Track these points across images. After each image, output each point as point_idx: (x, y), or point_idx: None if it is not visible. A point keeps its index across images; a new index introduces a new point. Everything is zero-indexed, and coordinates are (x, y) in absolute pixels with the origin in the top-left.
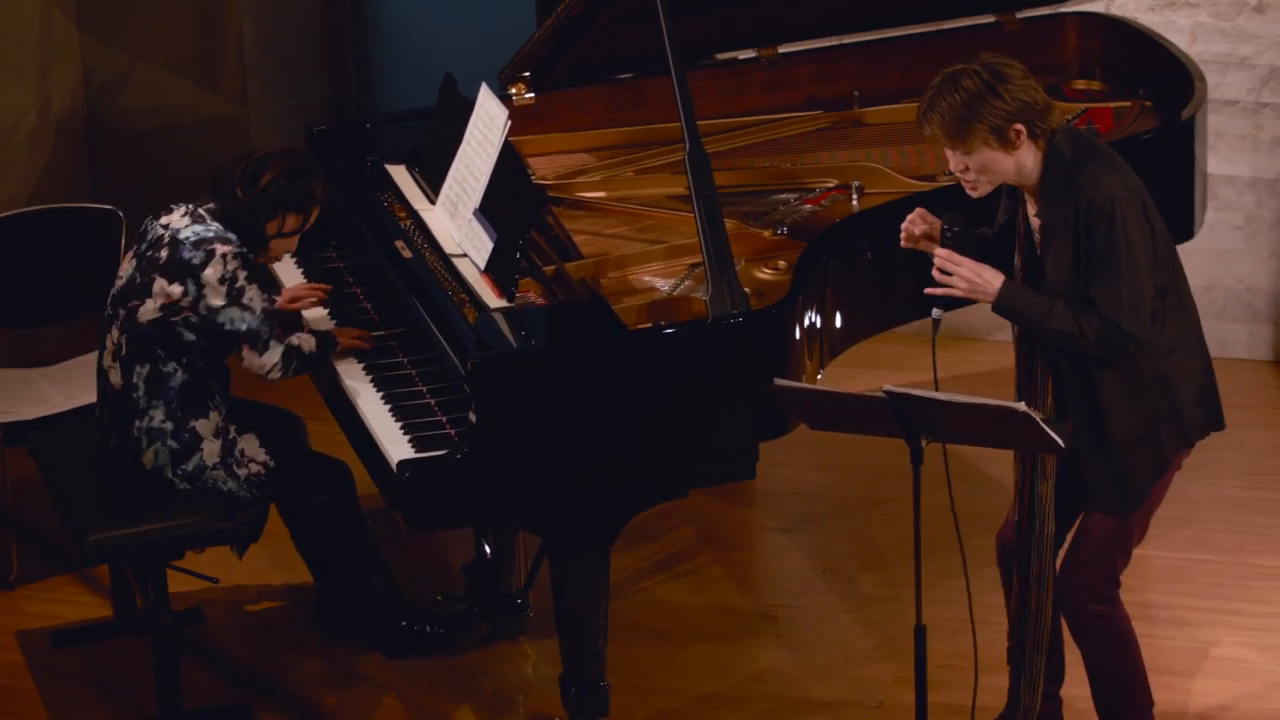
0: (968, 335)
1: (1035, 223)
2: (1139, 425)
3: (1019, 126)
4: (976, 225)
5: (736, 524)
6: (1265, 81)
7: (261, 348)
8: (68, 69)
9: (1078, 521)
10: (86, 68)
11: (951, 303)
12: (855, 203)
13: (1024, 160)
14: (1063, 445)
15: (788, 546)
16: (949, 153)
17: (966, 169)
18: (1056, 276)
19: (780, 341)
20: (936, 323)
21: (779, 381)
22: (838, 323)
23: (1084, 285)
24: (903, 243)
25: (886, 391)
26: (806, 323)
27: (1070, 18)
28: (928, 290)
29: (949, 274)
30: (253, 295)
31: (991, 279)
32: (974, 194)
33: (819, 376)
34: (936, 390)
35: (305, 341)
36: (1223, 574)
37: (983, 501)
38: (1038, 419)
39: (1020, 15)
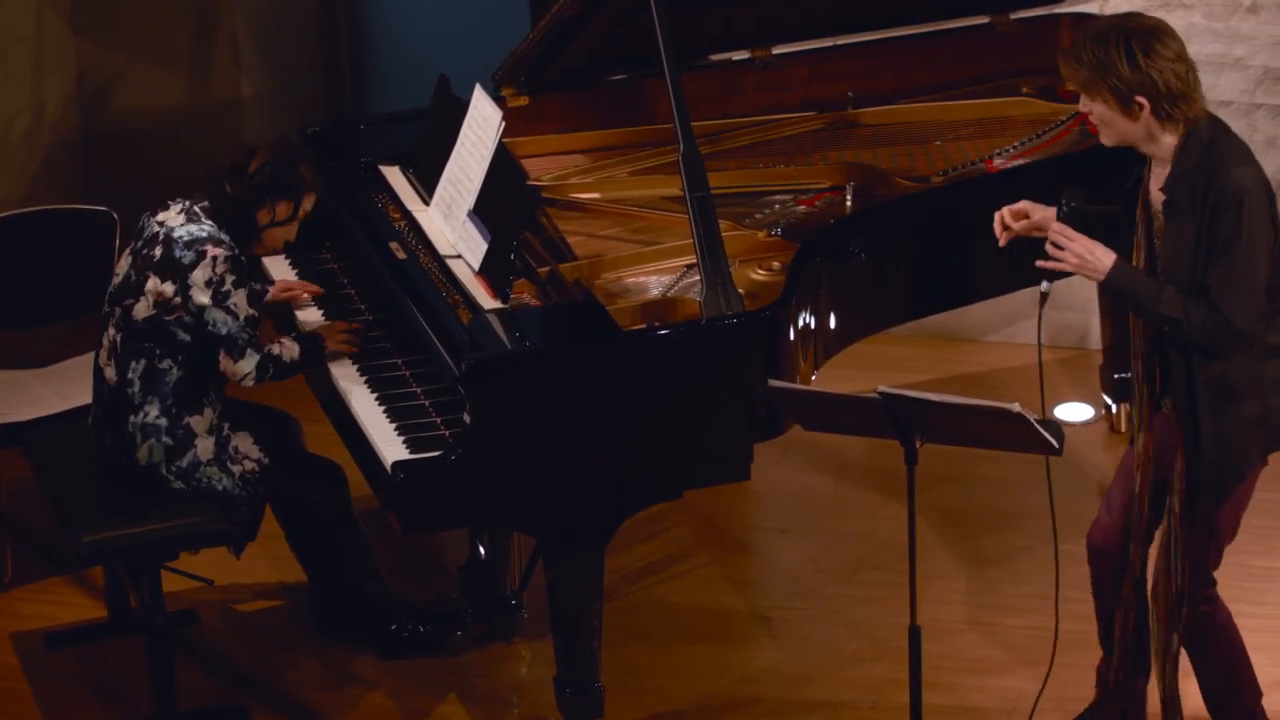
0: (961, 336)
1: (1158, 196)
2: (1229, 425)
3: (1141, 99)
4: (1093, 201)
5: (731, 525)
6: (1259, 82)
7: (237, 354)
8: (62, 70)
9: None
10: (80, 69)
11: (1058, 276)
12: (849, 204)
13: (1156, 133)
14: (1057, 447)
15: (782, 547)
16: (1082, 93)
17: (1089, 112)
18: (1173, 256)
19: (774, 342)
20: (1044, 295)
21: (773, 382)
22: (832, 324)
23: (1200, 271)
24: (1001, 239)
25: (880, 392)
26: (800, 324)
27: (1064, 19)
28: (1039, 263)
29: (1061, 248)
30: (237, 300)
31: (1103, 257)
32: (1102, 139)
33: (813, 377)
34: (1041, 367)
35: (288, 350)
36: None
37: (975, 502)
38: (1031, 420)
39: (1014, 16)
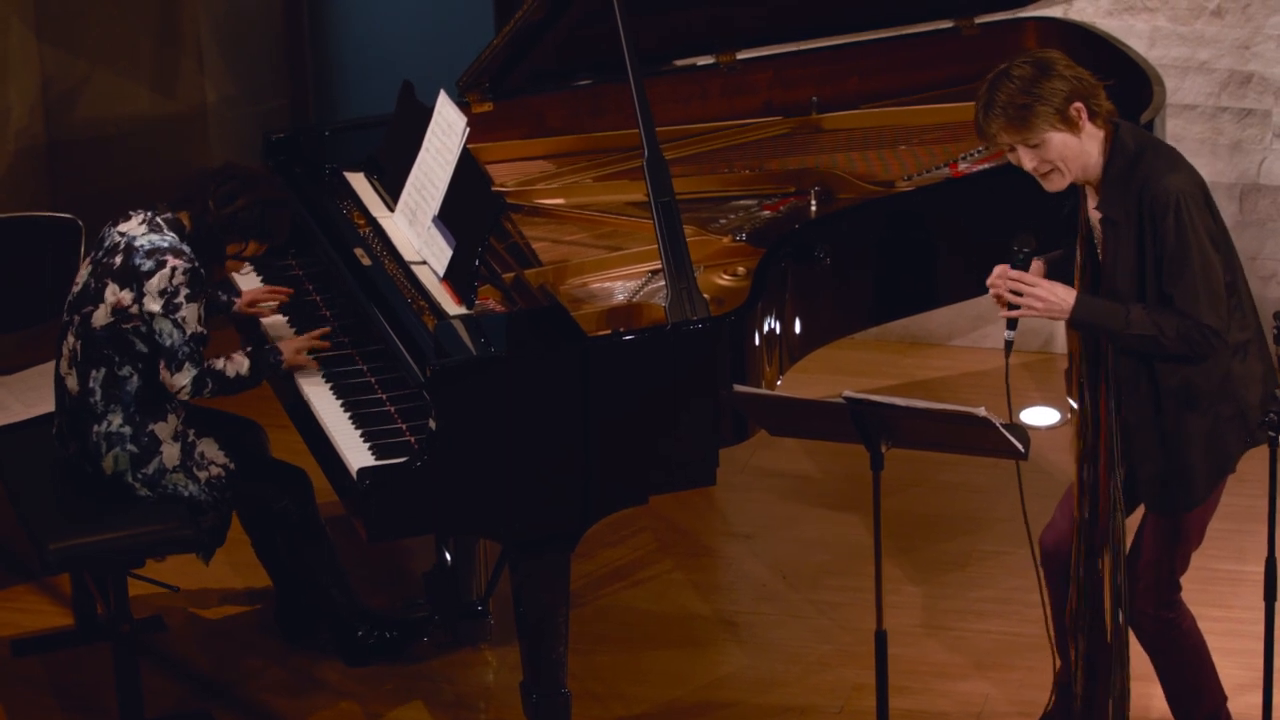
0: (926, 341)
1: (1095, 216)
2: (1203, 427)
3: (1078, 104)
4: (1042, 245)
5: (697, 530)
6: (1224, 86)
7: (175, 367)
8: (26, 77)
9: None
10: (45, 76)
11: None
12: (814, 208)
13: (1089, 147)
14: (1023, 451)
15: (748, 552)
16: (1020, 152)
17: (1040, 163)
18: (1119, 272)
19: (739, 347)
20: (1009, 344)
21: (738, 387)
22: (797, 328)
23: (1156, 283)
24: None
25: (846, 397)
26: (766, 328)
27: (1029, 23)
28: (1002, 313)
29: (1022, 295)
30: (186, 314)
31: (1065, 295)
32: (1052, 187)
33: (778, 382)
34: (1010, 419)
35: (233, 365)
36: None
37: (939, 507)
38: (997, 424)
39: (979, 20)
